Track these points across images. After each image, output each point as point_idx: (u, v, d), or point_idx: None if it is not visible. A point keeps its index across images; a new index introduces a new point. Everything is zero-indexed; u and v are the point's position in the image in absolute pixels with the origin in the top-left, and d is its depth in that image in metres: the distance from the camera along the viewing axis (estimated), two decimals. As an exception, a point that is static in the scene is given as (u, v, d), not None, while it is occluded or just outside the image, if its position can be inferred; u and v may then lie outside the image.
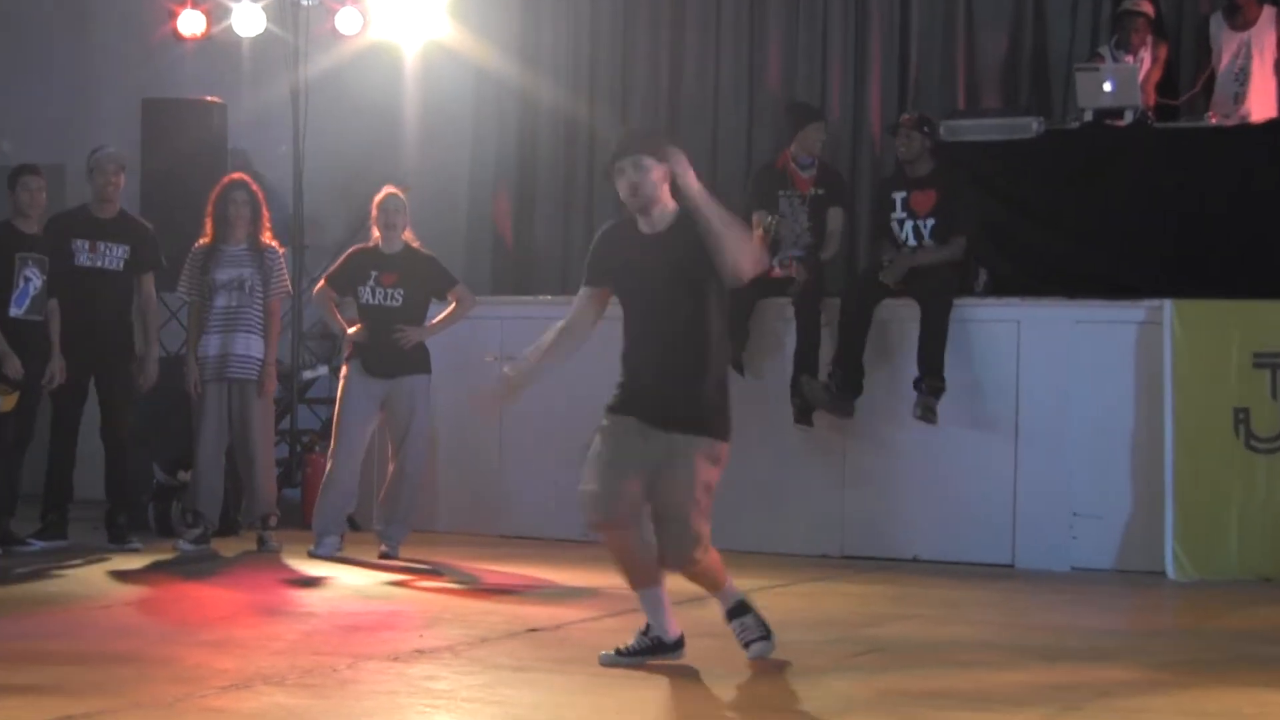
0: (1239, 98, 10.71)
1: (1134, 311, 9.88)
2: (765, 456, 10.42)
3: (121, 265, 10.06)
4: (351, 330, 9.88)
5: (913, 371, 10.02)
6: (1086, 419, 9.90)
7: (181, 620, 7.80)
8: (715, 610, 7.96)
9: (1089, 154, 10.56)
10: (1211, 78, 10.87)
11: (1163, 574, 9.57)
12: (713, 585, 6.68)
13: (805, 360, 10.17)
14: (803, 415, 10.21)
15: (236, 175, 10.35)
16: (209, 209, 10.16)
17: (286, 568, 9.52)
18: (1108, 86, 10.55)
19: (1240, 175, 10.22)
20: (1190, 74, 11.16)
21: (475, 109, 13.04)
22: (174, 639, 7.10)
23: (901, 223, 10.27)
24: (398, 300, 9.84)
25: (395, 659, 6.63)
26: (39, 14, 13.68)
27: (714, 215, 6.36)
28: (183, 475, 10.53)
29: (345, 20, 12.41)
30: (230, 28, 12.44)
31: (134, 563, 9.53)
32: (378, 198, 9.94)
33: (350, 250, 10.14)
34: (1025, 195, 10.74)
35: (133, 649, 6.79)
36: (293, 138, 11.90)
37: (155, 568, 9.45)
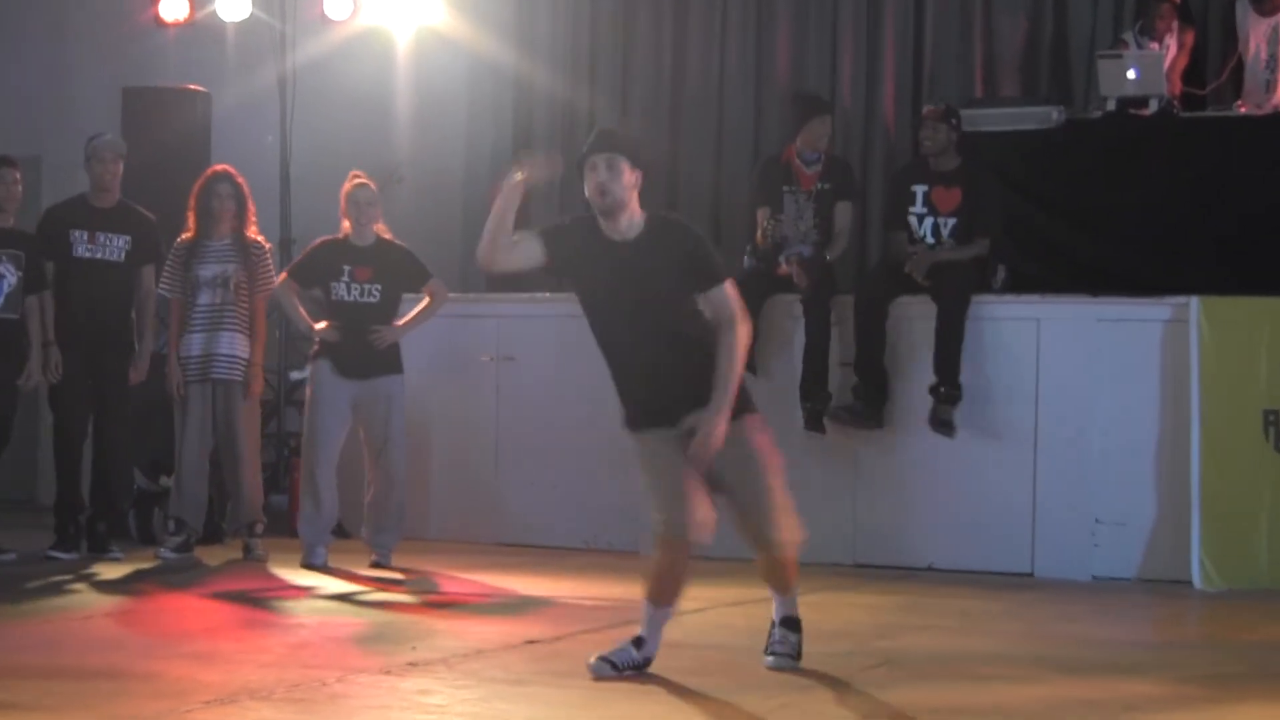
0: (1270, 85, 10.71)
1: (1159, 309, 9.88)
2: (774, 461, 10.42)
3: (123, 256, 10.03)
4: (319, 326, 9.83)
5: (927, 372, 10.02)
6: (1109, 421, 9.90)
7: (164, 632, 7.80)
8: (717, 618, 7.97)
9: (1111, 145, 10.56)
10: (1239, 65, 10.87)
11: (1189, 584, 9.57)
12: (783, 585, 6.79)
13: (814, 365, 10.16)
14: (814, 421, 10.21)
15: (220, 167, 10.33)
16: (192, 202, 10.16)
17: (274, 577, 9.53)
18: (1131, 74, 10.55)
19: (1271, 167, 10.21)
20: (1217, 61, 11.16)
21: (470, 98, 13.04)
22: (156, 652, 7.10)
23: (921, 218, 10.26)
24: (375, 296, 9.78)
25: (387, 672, 6.63)
26: (13, -1, 13.69)
27: (732, 378, 6.46)
28: (165, 480, 10.53)
29: (335, 5, 12.41)
30: (214, 13, 12.43)
31: (114, 572, 9.54)
32: (346, 187, 9.84)
33: (317, 242, 10.04)
34: (1045, 188, 10.74)
35: (113, 662, 6.79)
36: (279, 128, 11.90)
37: (136, 577, 9.45)
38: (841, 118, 12.00)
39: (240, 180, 10.19)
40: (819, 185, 10.47)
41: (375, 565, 9.76)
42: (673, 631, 7.63)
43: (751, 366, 10.26)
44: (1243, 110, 10.60)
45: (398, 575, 9.56)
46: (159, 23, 12.56)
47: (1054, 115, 10.67)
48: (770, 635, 6.85)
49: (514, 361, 10.92)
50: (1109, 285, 10.19)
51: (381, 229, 9.89)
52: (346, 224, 9.83)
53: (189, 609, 8.55)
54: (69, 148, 12.63)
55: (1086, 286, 10.21)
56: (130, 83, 12.10)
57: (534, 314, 11.14)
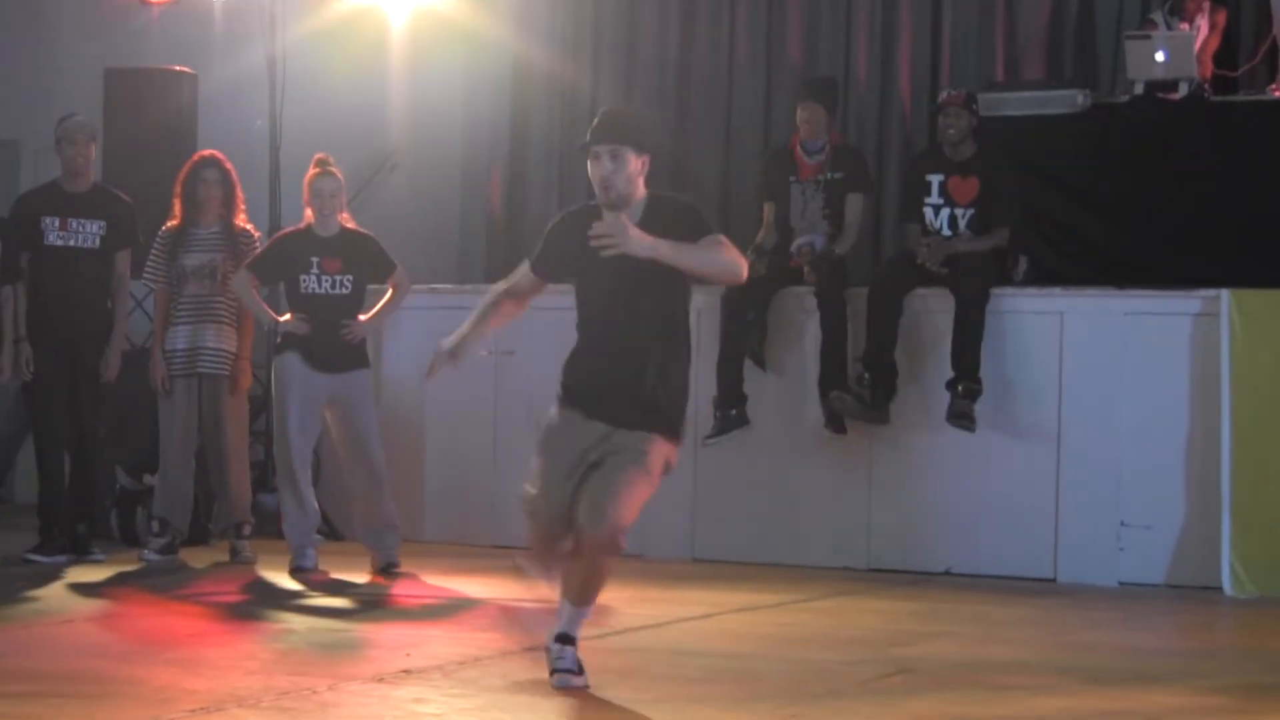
0: (1307, 67, 10.70)
1: (1188, 302, 9.87)
2: (785, 460, 10.44)
3: (97, 242, 9.98)
4: (285, 318, 9.81)
5: (945, 368, 10.02)
6: (1135, 419, 9.90)
7: (147, 637, 7.80)
8: (723, 625, 7.97)
9: (1139, 130, 10.55)
10: (1274, 47, 10.85)
11: (1219, 589, 9.57)
12: (586, 592, 6.52)
13: (831, 361, 10.16)
14: (834, 420, 10.20)
15: (207, 152, 10.31)
16: (177, 189, 10.16)
17: (262, 580, 9.53)
18: (1160, 56, 10.53)
19: (1306, 153, 10.22)
20: (1250, 43, 11.14)
21: (467, 80, 13.04)
22: (139, 658, 7.10)
23: (937, 209, 10.26)
24: (347, 288, 9.76)
25: (380, 680, 6.64)
26: (-10, -25, 13.69)
27: (684, 258, 6.33)
28: (148, 479, 10.53)
29: (326, -17, 12.43)
30: (201, -9, 12.46)
31: (95, 575, 9.54)
32: (309, 174, 9.82)
33: (279, 235, 10.04)
34: (1069, 175, 10.73)
35: (95, 668, 6.80)
36: (269, 111, 11.90)
37: (119, 580, 9.46)
38: (856, 103, 11.99)
39: (228, 166, 10.18)
40: (828, 174, 10.45)
41: (386, 569, 9.73)
42: (680, 639, 7.64)
43: (760, 361, 10.30)
44: (1277, 94, 10.58)
45: (405, 580, 9.55)
46: (144, 1, 12.56)
47: (1079, 99, 10.65)
48: (551, 654, 6.51)
49: (513, 356, 10.91)
50: (1136, 277, 10.18)
51: (345, 218, 9.87)
52: (309, 213, 9.81)
53: (173, 613, 8.55)
54: (49, 131, 12.63)
55: (1112, 278, 10.21)
56: (113, 63, 12.08)
57: (534, 307, 11.07)
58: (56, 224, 9.96)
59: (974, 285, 10.02)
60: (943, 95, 10.54)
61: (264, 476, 11.43)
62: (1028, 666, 7.29)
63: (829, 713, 6.28)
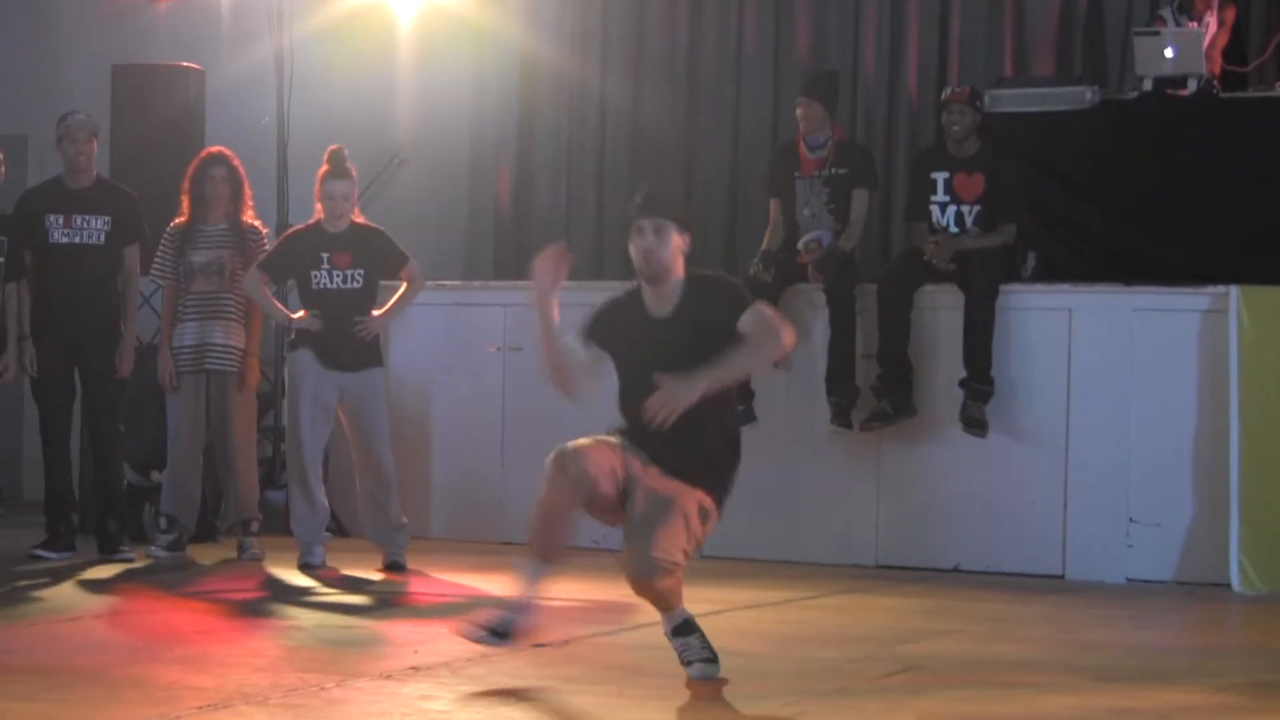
0: (1316, 64, 10.71)
1: (1197, 299, 9.87)
2: (793, 457, 10.45)
3: (103, 238, 9.98)
4: (298, 316, 9.82)
5: (954, 365, 10.03)
6: (1144, 416, 9.90)
7: (154, 635, 7.81)
8: (732, 622, 7.97)
9: (1148, 127, 10.55)
10: (1283, 43, 10.87)
11: (1227, 586, 9.58)
12: (666, 605, 6.67)
13: (840, 357, 10.17)
14: (840, 415, 10.21)
15: (215, 149, 10.31)
16: (185, 186, 10.16)
17: (269, 577, 9.55)
18: (1169, 53, 10.53)
19: (1316, 150, 10.22)
20: (1260, 38, 11.14)
21: (475, 76, 13.04)
22: (146, 655, 7.12)
23: (943, 207, 10.27)
24: (358, 282, 9.75)
25: (388, 677, 6.64)
26: (-3, -29, 13.71)
27: (734, 373, 6.50)
28: (156, 476, 10.54)
29: (334, -22, 12.44)
30: (208, -14, 12.47)
31: (103, 572, 9.55)
32: (321, 172, 9.80)
33: (289, 233, 10.05)
34: (1078, 171, 10.73)
35: (102, 665, 6.81)
36: (276, 107, 11.91)
37: (126, 577, 9.47)
38: (864, 99, 12.00)
39: (236, 163, 10.19)
40: (831, 170, 10.43)
41: (392, 568, 9.74)
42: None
43: (785, 363, 10.30)
44: (1286, 90, 10.60)
45: (413, 578, 9.55)
46: (151, -2, 12.59)
47: (1088, 96, 10.65)
48: (676, 650, 6.64)
49: (521, 352, 10.93)
50: (1144, 274, 10.18)
51: (355, 214, 9.88)
52: (320, 209, 9.82)
53: (181, 610, 8.56)
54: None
55: (1121, 275, 10.21)
56: (120, 60, 12.09)
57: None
58: (60, 221, 9.95)
59: (983, 282, 10.03)
60: (946, 92, 10.53)
61: (272, 473, 11.46)
62: (1036, 664, 7.29)
63: (836, 710, 6.28)
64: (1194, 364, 9.86)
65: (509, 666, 6.89)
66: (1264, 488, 9.59)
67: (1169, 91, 10.60)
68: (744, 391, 10.21)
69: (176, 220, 10.17)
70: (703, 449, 6.56)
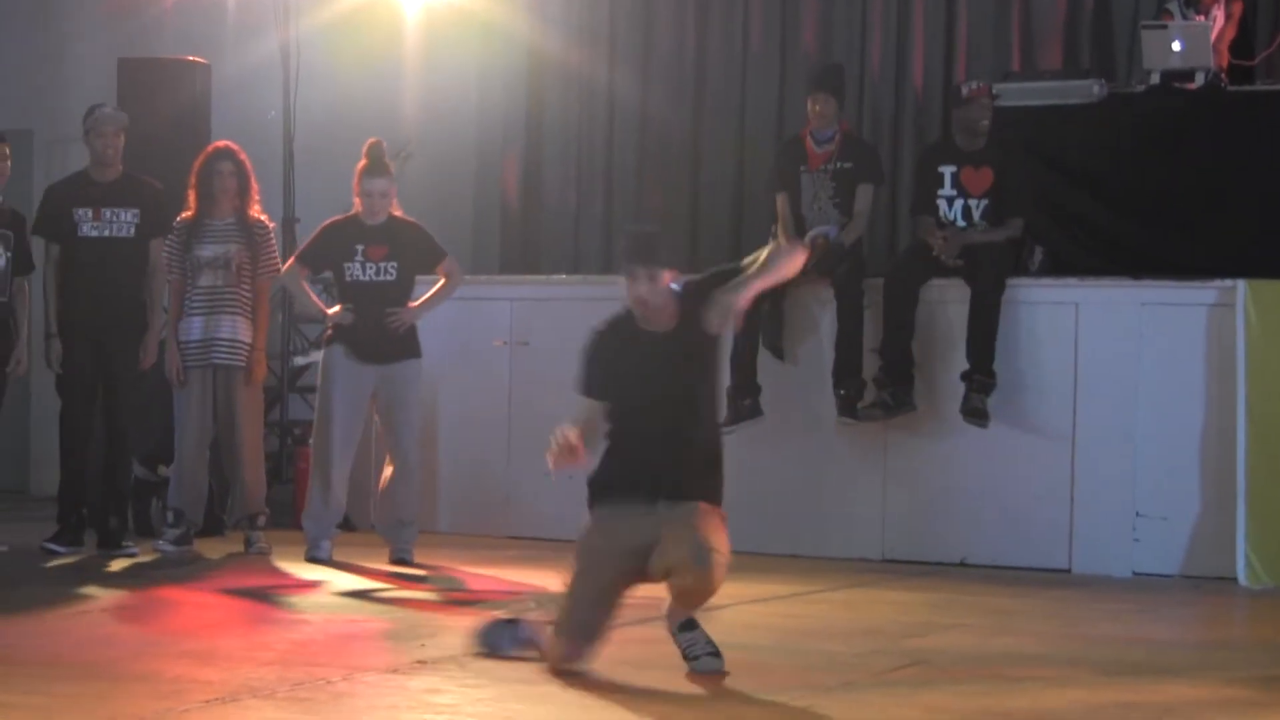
0: (1323, 57, 10.71)
1: (1204, 293, 9.88)
2: (799, 451, 10.46)
3: (132, 231, 9.96)
4: (333, 311, 9.85)
5: (959, 359, 10.03)
6: (1151, 410, 9.91)
7: (161, 628, 7.83)
8: (740, 616, 7.98)
9: (1155, 120, 10.56)
10: (1290, 36, 10.87)
11: (1234, 580, 9.58)
12: (694, 606, 6.79)
13: (847, 351, 10.17)
14: (847, 408, 10.22)
15: (221, 143, 10.31)
16: (192, 180, 10.16)
17: (276, 571, 9.56)
18: (1176, 46, 10.54)
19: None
20: (1267, 32, 11.15)
21: (482, 70, 13.06)
22: (153, 649, 7.13)
23: (950, 201, 10.26)
24: (391, 274, 9.76)
25: (394, 671, 6.66)
26: (2, -35, 13.71)
27: (755, 286, 6.75)
28: (163, 470, 10.55)
29: (340, -29, 12.45)
30: (214, -20, 12.48)
31: (110, 566, 9.57)
32: (359, 167, 9.80)
33: (326, 224, 10.04)
34: (1085, 165, 10.74)
35: (109, 659, 6.83)
36: (282, 101, 11.93)
37: (133, 571, 9.49)
38: (871, 94, 12.01)
39: (242, 157, 10.18)
40: (837, 164, 10.43)
41: (398, 563, 9.75)
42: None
43: (779, 352, 10.31)
44: (1293, 83, 10.61)
45: (420, 572, 9.57)
46: (156, -8, 12.59)
47: (1095, 89, 10.66)
48: (681, 645, 6.73)
49: (528, 346, 10.94)
50: (1151, 267, 10.19)
51: (393, 207, 9.89)
52: (358, 202, 9.84)
53: (188, 604, 8.58)
54: (62, 121, 12.66)
55: (1128, 269, 10.21)
56: (126, 53, 12.10)
57: (549, 296, 11.16)
58: (90, 215, 9.92)
59: (990, 276, 10.03)
60: (969, 88, 10.48)
61: (279, 468, 11.47)
62: (1042, 658, 7.30)
63: (842, 704, 6.29)
64: (1201, 358, 9.86)
65: (515, 661, 6.90)
66: (1271, 481, 9.59)
67: (1176, 85, 10.61)
68: (750, 386, 10.23)
69: (183, 215, 10.17)
70: (700, 471, 6.74)
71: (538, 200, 12.97)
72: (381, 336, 9.74)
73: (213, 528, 10.56)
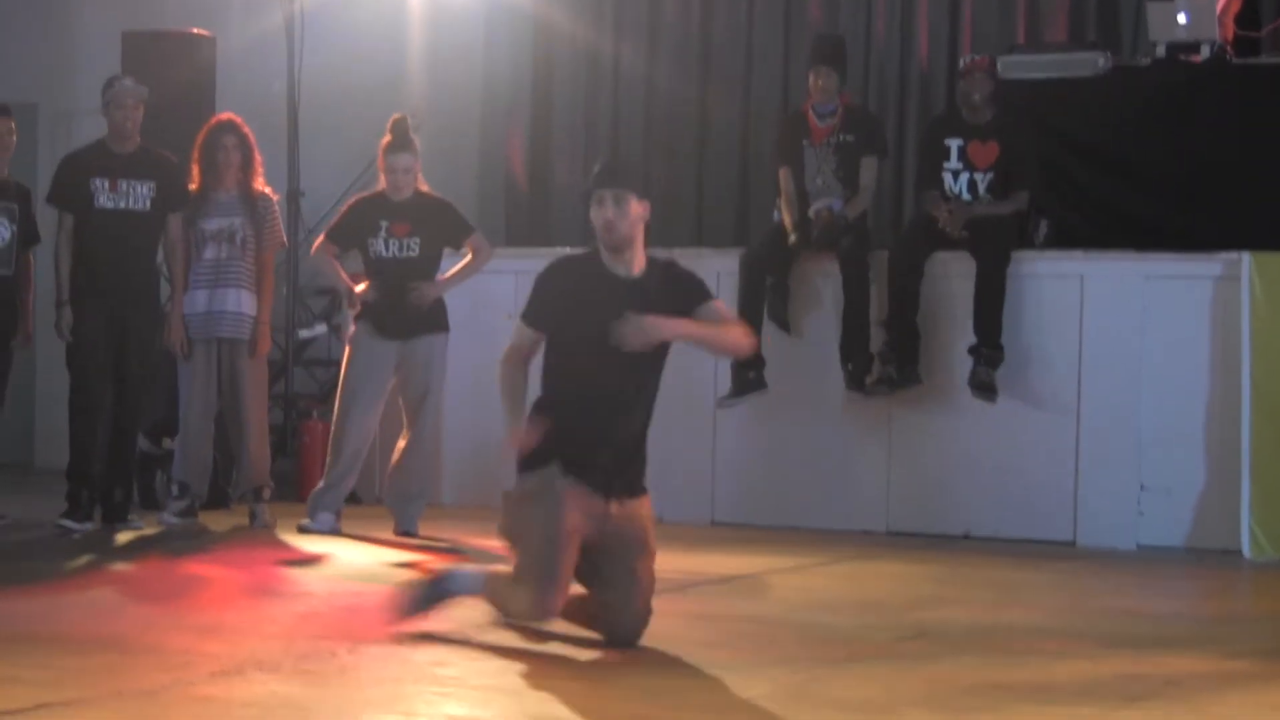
0: (1330, 28, 10.69)
1: (1209, 266, 9.88)
2: (804, 425, 10.47)
3: (148, 204, 9.88)
4: (359, 288, 9.85)
5: (965, 332, 10.04)
6: (1156, 383, 9.91)
7: (167, 601, 7.84)
8: (742, 589, 7.99)
9: (1161, 93, 10.55)
10: (1297, 8, 10.85)
11: (1238, 553, 9.60)
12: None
13: (854, 324, 10.18)
14: (855, 381, 10.22)
15: (225, 116, 10.30)
16: (195, 153, 10.15)
17: (281, 544, 9.57)
18: (1182, 18, 10.52)
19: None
20: (1273, 4, 11.12)
21: (487, 40, 13.04)
22: (158, 622, 7.15)
23: (956, 174, 10.26)
24: (414, 250, 9.76)
25: (400, 643, 6.67)
26: (6, -63, 13.70)
27: (708, 339, 6.73)
28: (168, 443, 10.56)
29: (344, -57, 12.42)
30: (218, -48, 12.46)
31: (116, 539, 9.58)
32: (383, 143, 9.81)
33: (352, 200, 10.06)
34: (1090, 138, 10.73)
35: (114, 632, 6.84)
36: (287, 73, 11.92)
37: (138, 544, 9.50)
38: (876, 67, 11.98)
39: (246, 130, 10.17)
40: (840, 137, 10.41)
41: (402, 535, 9.77)
42: (698, 603, 7.66)
43: (785, 325, 10.31)
44: (1300, 56, 10.58)
45: (411, 542, 9.59)
46: (160, -37, 12.57)
47: (1100, 62, 10.64)
48: None
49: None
50: (1157, 240, 10.19)
51: (420, 183, 9.89)
52: (384, 179, 9.84)
53: (193, 577, 8.59)
54: (66, 95, 12.68)
55: (1133, 242, 10.21)
56: (130, 26, 12.09)
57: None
58: (106, 185, 9.84)
59: (995, 249, 10.03)
60: (966, 61, 10.50)
61: (283, 441, 11.48)
62: (1046, 631, 7.31)
63: (847, 677, 6.30)
64: (1206, 330, 9.87)
65: (521, 633, 6.91)
66: (1276, 454, 9.60)
67: (1182, 58, 10.59)
68: (754, 359, 10.22)
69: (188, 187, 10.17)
70: (642, 457, 6.73)
71: (543, 173, 12.96)
72: (404, 311, 9.73)
73: (217, 501, 10.58)
